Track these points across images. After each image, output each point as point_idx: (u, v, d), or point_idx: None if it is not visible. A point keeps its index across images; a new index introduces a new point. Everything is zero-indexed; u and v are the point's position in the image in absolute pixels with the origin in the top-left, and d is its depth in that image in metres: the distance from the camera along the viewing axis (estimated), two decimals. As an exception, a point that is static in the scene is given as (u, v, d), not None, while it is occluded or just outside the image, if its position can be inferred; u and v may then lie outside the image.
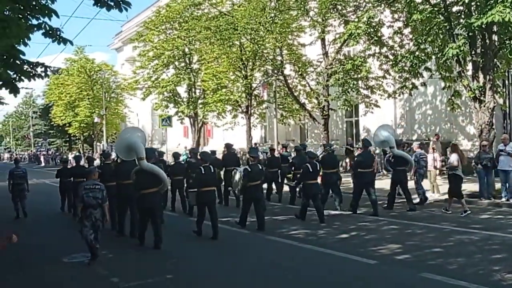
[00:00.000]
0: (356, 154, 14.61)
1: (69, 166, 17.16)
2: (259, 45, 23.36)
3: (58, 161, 16.69)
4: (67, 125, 49.22)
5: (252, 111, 27.69)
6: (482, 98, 14.58)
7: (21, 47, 9.86)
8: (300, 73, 23.90)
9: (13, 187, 14.57)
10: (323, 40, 22.18)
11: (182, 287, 7.02)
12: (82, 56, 48.73)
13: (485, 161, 13.86)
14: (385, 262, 7.80)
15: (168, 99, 32.48)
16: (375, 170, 14.14)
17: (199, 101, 31.35)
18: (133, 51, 40.19)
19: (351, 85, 20.20)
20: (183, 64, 31.97)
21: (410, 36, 16.91)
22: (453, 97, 16.50)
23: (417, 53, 15.57)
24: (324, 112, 22.63)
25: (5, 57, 9.85)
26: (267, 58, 24.31)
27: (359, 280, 7.00)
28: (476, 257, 7.94)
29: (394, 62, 16.94)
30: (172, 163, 15.51)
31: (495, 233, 9.74)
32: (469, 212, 12.08)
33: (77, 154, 32.67)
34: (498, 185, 14.15)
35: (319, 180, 12.82)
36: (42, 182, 26.86)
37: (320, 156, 14.67)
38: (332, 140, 25.09)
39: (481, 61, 14.52)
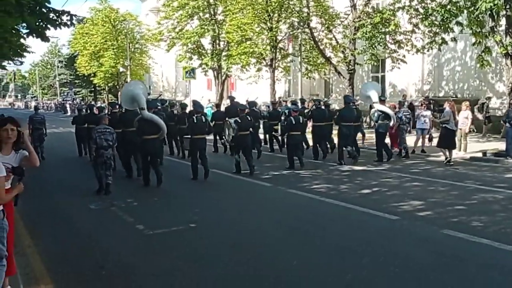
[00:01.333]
0: (339, 109, 15.74)
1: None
2: (286, -4, 22.87)
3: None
4: (92, 75, 49.52)
5: (277, 64, 27.39)
6: (514, 54, 14.13)
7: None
8: (326, 26, 23.45)
9: (32, 132, 15.77)
10: (351, -9, 21.59)
11: (206, 236, 7.15)
12: (106, 5, 48.42)
13: (514, 119, 13.56)
14: (407, 218, 7.81)
15: (192, 51, 32.31)
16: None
17: (223, 54, 31.11)
18: (157, 1, 39.72)
19: (378, 39, 19.73)
20: (207, 15, 31.58)
21: (443, -12, 16.31)
22: (483, 53, 16.01)
23: (448, 6, 15.07)
24: (350, 66, 22.27)
25: (31, 5, 9.86)
26: (293, 9, 23.83)
27: (380, 235, 7.04)
28: (499, 215, 7.89)
29: (424, 15, 16.44)
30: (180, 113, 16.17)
31: (520, 192, 9.64)
32: (452, 164, 13.28)
33: (91, 103, 33.07)
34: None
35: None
36: (68, 131, 27.31)
37: (309, 110, 16.31)
38: (356, 95, 24.77)
39: (516, 16, 14.00)
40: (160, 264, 6.01)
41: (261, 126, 17.60)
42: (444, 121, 13.62)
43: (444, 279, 5.28)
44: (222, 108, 18.70)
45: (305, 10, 23.49)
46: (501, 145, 14.61)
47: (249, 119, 12.96)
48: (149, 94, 46.31)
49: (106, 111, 16.84)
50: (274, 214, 8.52)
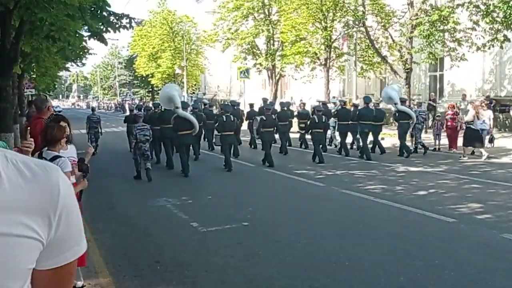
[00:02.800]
0: (358, 109, 16.22)
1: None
2: (340, -5, 22.65)
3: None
4: (150, 75, 50.86)
5: (331, 63, 27.18)
6: None
7: (108, -1, 10.24)
8: (382, 24, 23.04)
9: (89, 130, 17.74)
10: (408, -11, 21.10)
11: (259, 235, 7.22)
12: (164, 8, 49.62)
13: None
14: (464, 221, 7.59)
15: (246, 51, 32.57)
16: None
17: (277, 53, 31.18)
18: (213, 2, 40.33)
19: (436, 37, 19.22)
20: (262, 16, 31.77)
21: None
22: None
23: (511, 2, 14.46)
24: (407, 65, 21.76)
25: (92, 9, 10.28)
26: (348, 8, 23.59)
27: (435, 237, 6.87)
28: None
29: (485, 12, 15.91)
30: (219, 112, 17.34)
31: None
32: (465, 158, 14.20)
33: (145, 103, 33.94)
34: None
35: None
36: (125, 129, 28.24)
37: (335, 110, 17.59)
38: (414, 95, 24.22)
39: None
40: (213, 260, 6.13)
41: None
42: (468, 121, 14.41)
43: (502, 284, 5.11)
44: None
45: (361, 8, 23.18)
46: None
47: (274, 117, 14.53)
48: (204, 94, 47.17)
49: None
50: (327, 214, 8.48)
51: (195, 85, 52.16)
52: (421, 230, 7.33)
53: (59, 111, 20.63)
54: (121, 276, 5.70)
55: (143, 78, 57.16)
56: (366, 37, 23.58)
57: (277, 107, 19.26)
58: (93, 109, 20.44)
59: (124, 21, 10.85)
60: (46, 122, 4.84)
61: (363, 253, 6.24)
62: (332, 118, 17.05)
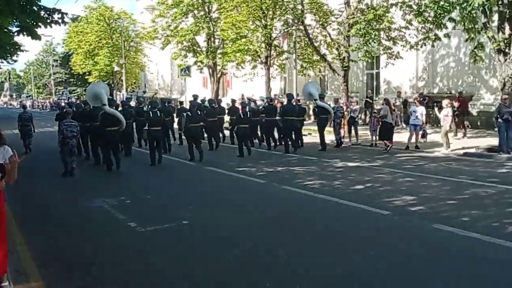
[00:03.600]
0: (282, 105, 17.50)
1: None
2: (280, -7, 22.85)
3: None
4: (87, 73, 49.41)
5: (272, 61, 27.39)
6: (507, 50, 14.19)
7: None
8: (321, 23, 23.45)
9: (21, 128, 17.92)
10: (345, -12, 21.57)
11: (198, 233, 7.16)
12: (101, 3, 48.31)
13: (505, 115, 13.62)
14: (398, 213, 7.84)
15: (187, 48, 32.26)
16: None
17: (218, 51, 31.08)
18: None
19: (372, 36, 19.75)
20: (202, 13, 31.54)
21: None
22: (476, 49, 16.03)
23: (441, 2, 15.05)
24: (344, 63, 22.26)
25: (22, 3, 9.84)
26: (287, 7, 23.81)
27: (371, 230, 7.06)
28: (490, 210, 7.92)
29: (417, 12, 16.44)
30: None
31: (512, 187, 9.69)
32: (388, 149, 15.35)
33: (76, 102, 33.24)
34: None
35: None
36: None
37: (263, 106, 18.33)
38: (351, 92, 24.81)
39: (508, 11, 14.03)
40: (150, 260, 6.02)
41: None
42: (383, 116, 15.65)
43: (434, 272, 5.31)
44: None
45: (299, 7, 23.47)
46: (494, 141, 14.66)
47: (199, 113, 15.28)
48: (144, 92, 46.39)
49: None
50: (267, 210, 8.53)
51: (134, 83, 51.13)
52: (357, 223, 7.51)
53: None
54: (53, 279, 5.49)
55: (80, 76, 55.48)
56: (305, 35, 23.91)
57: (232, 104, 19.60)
58: (24, 107, 20.75)
59: (56, 16, 10.48)
60: None
61: (301, 247, 6.32)
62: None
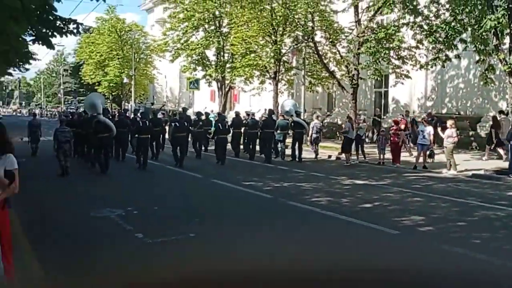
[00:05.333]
0: (262, 119, 19.59)
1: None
2: (291, 10, 22.99)
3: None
4: (97, 84, 49.70)
5: (280, 77, 27.47)
6: (517, 72, 14.18)
7: (54, 3, 9.95)
8: (331, 40, 23.51)
9: (30, 134, 19.95)
10: (356, 7, 21.65)
11: (208, 247, 7.07)
12: (113, 15, 48.79)
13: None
14: (407, 233, 7.79)
15: (196, 62, 32.43)
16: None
17: (227, 65, 31.23)
18: (163, 13, 39.99)
19: (382, 54, 19.79)
20: (213, 27, 31.77)
21: (447, 6, 16.37)
22: (486, 71, 16.03)
23: (453, 23, 15.13)
24: (353, 81, 22.26)
25: (38, 12, 9.95)
26: (298, 23, 23.93)
27: (378, 249, 6.98)
28: (500, 232, 7.87)
29: (428, 32, 16.52)
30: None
31: (522, 210, 9.61)
32: (352, 162, 17.02)
33: (72, 111, 33.71)
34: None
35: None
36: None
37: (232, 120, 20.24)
38: (359, 110, 24.81)
39: (520, 34, 14.05)
40: (158, 272, 5.98)
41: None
42: (344, 131, 17.69)
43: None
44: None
45: (310, 24, 23.59)
46: (503, 164, 14.59)
47: (185, 124, 17.20)
48: (152, 104, 46.61)
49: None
50: (273, 227, 8.49)
51: (143, 94, 51.42)
52: (365, 241, 7.44)
53: (-1, 118, 21.46)
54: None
55: (89, 86, 55.78)
56: (315, 52, 23.99)
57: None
58: (34, 115, 23.70)
59: (71, 26, 10.59)
60: None
61: (297, 265, 6.26)
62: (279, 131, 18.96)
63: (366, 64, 20.91)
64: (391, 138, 16.70)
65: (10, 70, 26.81)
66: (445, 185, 12.86)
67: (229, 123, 19.21)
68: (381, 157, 16.99)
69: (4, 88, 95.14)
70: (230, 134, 19.36)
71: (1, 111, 73.57)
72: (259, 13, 24.36)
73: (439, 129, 17.88)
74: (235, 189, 12.20)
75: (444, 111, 23.61)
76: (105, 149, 15.08)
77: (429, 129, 15.83)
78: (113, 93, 51.23)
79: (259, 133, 18.65)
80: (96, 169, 15.20)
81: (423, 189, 12.21)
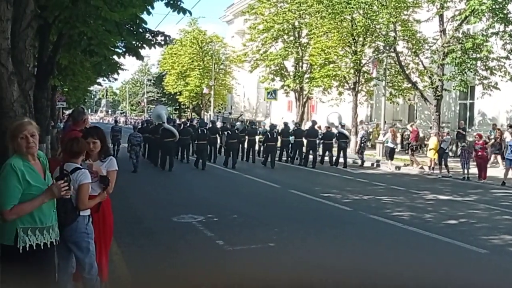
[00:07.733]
0: (307, 129, 21.95)
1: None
2: (372, 20, 22.62)
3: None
4: (178, 93, 51.49)
5: (360, 88, 27.08)
6: None
7: (144, 16, 10.44)
8: (413, 50, 22.89)
9: (112, 138, 22.55)
10: (441, 16, 20.94)
11: (285, 258, 7.10)
12: (195, 27, 50.39)
13: None
14: (496, 252, 7.39)
15: (274, 72, 32.71)
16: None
17: (306, 76, 31.23)
18: (243, 24, 40.79)
19: (469, 65, 18.99)
20: (292, 38, 31.94)
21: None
22: None
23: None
24: (437, 92, 21.51)
25: (128, 25, 10.49)
26: (379, 33, 23.51)
27: (466, 268, 6.69)
28: None
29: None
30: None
31: None
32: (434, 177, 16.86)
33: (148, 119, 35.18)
34: None
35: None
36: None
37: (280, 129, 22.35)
38: (443, 122, 23.91)
39: None
40: (237, 280, 6.05)
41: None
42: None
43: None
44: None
45: (392, 34, 23.09)
46: None
47: (237, 132, 20.24)
48: (230, 114, 47.55)
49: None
50: (354, 239, 8.35)
51: (221, 104, 52.55)
52: (451, 259, 7.14)
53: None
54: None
55: (171, 96, 57.90)
56: (397, 62, 23.44)
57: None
58: (116, 121, 28.60)
59: (159, 38, 11.05)
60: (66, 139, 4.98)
61: (382, 279, 6.09)
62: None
63: (451, 75, 20.14)
64: (479, 152, 15.89)
65: (100, 80, 28.46)
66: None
67: (278, 132, 21.35)
68: (465, 171, 16.25)
69: (92, 96, 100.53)
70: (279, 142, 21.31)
71: (89, 118, 77.70)
72: (339, 24, 24.21)
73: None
74: (312, 200, 12.14)
75: (535, 124, 22.18)
76: (170, 152, 17.74)
77: (519, 143, 14.97)
78: (193, 103, 52.77)
79: (304, 141, 20.81)
80: (164, 169, 17.71)
81: (512, 206, 11.54)
